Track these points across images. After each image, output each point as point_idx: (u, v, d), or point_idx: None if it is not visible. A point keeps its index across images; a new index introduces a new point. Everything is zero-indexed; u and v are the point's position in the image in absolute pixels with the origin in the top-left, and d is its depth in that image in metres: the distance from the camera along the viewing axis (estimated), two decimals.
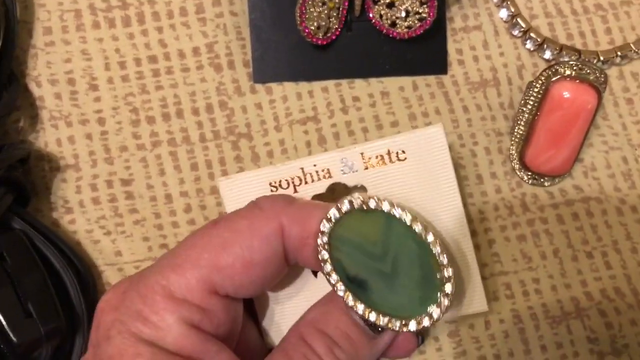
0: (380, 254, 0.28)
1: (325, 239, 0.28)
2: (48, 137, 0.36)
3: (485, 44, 0.38)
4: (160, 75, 0.36)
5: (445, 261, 0.28)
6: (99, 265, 0.35)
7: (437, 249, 0.28)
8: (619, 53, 0.38)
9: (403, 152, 0.31)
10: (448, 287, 0.28)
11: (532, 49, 0.38)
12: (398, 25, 0.36)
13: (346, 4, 0.36)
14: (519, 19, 0.38)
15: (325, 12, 0.36)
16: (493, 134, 0.38)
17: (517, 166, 0.37)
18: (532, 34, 0.38)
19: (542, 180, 0.37)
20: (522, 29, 0.38)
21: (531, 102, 0.36)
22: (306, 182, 0.32)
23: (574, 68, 0.35)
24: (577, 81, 0.35)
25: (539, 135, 0.36)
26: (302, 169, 0.32)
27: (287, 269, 0.30)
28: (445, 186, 0.32)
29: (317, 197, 0.32)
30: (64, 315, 0.32)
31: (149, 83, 0.36)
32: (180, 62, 0.36)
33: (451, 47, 0.38)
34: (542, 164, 0.36)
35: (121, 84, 0.36)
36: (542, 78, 0.35)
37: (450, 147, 0.37)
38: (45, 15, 0.36)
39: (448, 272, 0.28)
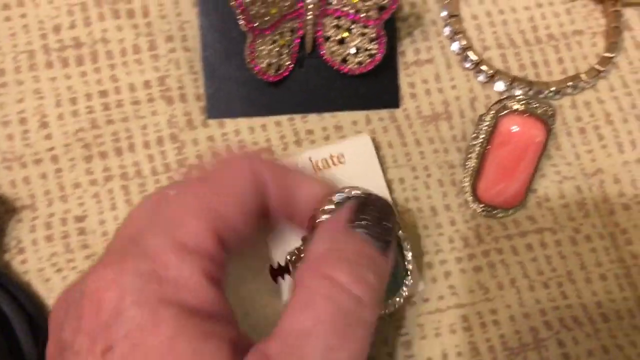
0: None
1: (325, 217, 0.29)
2: (2, 179, 0.36)
3: (438, 77, 0.39)
4: (110, 109, 0.37)
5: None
6: (49, 305, 0.35)
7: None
8: (570, 83, 0.39)
9: (343, 155, 0.36)
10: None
11: (484, 81, 0.39)
12: (349, 62, 0.37)
13: (297, 41, 0.37)
14: (470, 52, 0.39)
15: (276, 49, 0.36)
16: (446, 167, 0.38)
17: (470, 198, 0.37)
18: (483, 67, 0.38)
19: (495, 212, 0.37)
20: (474, 62, 0.39)
21: (482, 136, 0.36)
22: None
23: (522, 102, 0.35)
24: (526, 115, 0.36)
25: (490, 169, 0.36)
26: None
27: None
28: (376, 183, 0.36)
29: None
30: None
31: (100, 117, 0.36)
32: (131, 95, 0.37)
33: (403, 80, 0.39)
34: (494, 197, 0.36)
35: (72, 120, 0.36)
36: (492, 112, 0.36)
37: (403, 180, 0.37)
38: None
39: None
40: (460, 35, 0.39)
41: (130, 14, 0.38)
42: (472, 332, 0.36)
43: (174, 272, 0.24)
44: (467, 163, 0.37)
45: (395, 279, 0.31)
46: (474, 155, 0.37)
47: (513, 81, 0.38)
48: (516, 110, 0.36)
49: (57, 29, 0.37)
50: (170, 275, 0.24)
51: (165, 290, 0.24)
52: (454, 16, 0.39)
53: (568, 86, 0.39)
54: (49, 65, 0.37)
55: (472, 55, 0.39)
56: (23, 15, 0.37)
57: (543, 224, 0.37)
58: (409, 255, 0.32)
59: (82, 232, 0.36)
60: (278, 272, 0.34)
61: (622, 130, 0.39)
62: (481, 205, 0.37)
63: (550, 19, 0.40)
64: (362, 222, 0.28)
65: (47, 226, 0.36)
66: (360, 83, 0.38)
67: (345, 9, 0.36)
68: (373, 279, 0.26)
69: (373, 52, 0.37)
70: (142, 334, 0.23)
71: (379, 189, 0.36)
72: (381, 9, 0.36)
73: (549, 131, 0.36)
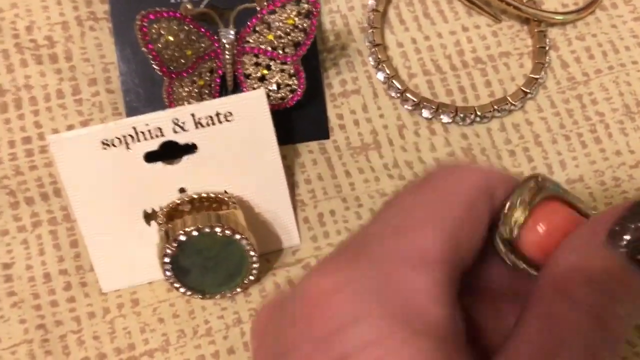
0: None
1: None
2: None
3: (365, 107, 0.39)
4: (34, 155, 0.37)
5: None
6: None
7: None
8: (495, 107, 0.39)
9: (230, 113, 0.34)
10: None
11: (410, 108, 0.39)
12: (272, 98, 0.37)
13: (218, 80, 0.37)
14: (394, 81, 0.39)
15: (196, 90, 0.37)
16: (377, 195, 0.38)
17: None
18: (408, 95, 0.39)
19: None
20: (399, 90, 0.39)
21: None
22: (138, 140, 0.34)
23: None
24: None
25: None
26: (134, 127, 0.34)
27: None
28: (267, 142, 0.35)
29: (149, 153, 0.34)
30: None
31: (22, 164, 0.37)
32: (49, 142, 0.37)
33: (332, 112, 0.39)
34: None
35: None
36: None
37: (334, 212, 0.38)
38: None
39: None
40: (384, 65, 0.39)
41: (53, 58, 0.38)
42: None
43: (409, 286, 0.21)
44: None
45: None
46: None
47: (438, 108, 0.39)
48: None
49: None
50: (405, 288, 0.21)
51: (397, 305, 0.21)
52: (378, 45, 0.40)
53: (495, 109, 0.39)
54: None
55: (397, 84, 0.39)
56: None
57: None
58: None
59: (8, 279, 0.36)
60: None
61: (550, 151, 0.39)
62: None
63: (476, 42, 0.41)
64: (626, 237, 0.22)
65: None
66: (288, 117, 0.39)
67: (262, 46, 0.37)
68: (623, 312, 0.22)
69: (294, 87, 0.37)
70: (380, 351, 0.20)
71: (268, 151, 0.35)
72: (296, 45, 0.36)
73: None
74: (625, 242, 0.22)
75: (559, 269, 0.23)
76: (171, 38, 0.35)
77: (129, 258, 0.36)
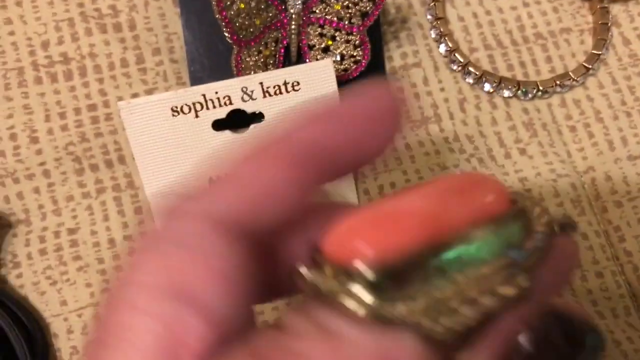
0: None
1: None
2: None
3: (426, 80, 0.41)
4: (99, 122, 0.39)
5: None
6: (46, 318, 0.37)
7: None
8: (557, 82, 0.40)
9: (298, 83, 0.36)
10: None
11: (471, 82, 0.40)
12: (335, 69, 0.39)
13: (282, 50, 0.39)
14: (457, 54, 0.40)
15: (262, 60, 0.38)
16: (438, 168, 0.40)
17: None
18: (470, 68, 0.40)
19: None
20: (461, 63, 0.40)
21: None
22: (207, 108, 0.35)
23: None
24: None
25: None
26: (203, 95, 0.35)
27: None
28: None
29: (217, 121, 0.36)
30: None
31: (88, 131, 0.38)
32: (119, 109, 0.39)
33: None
34: None
35: (61, 134, 0.38)
36: None
37: (394, 184, 0.39)
38: None
39: None
40: (446, 38, 0.41)
41: (117, 28, 0.40)
42: None
43: None
44: None
45: None
46: None
47: (500, 82, 0.40)
48: None
49: (45, 45, 0.39)
50: None
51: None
52: (440, 19, 0.41)
53: (557, 84, 0.40)
54: (38, 80, 0.39)
55: (459, 57, 0.40)
56: (11, 33, 0.39)
57: None
58: None
59: (74, 244, 0.37)
60: None
61: (612, 127, 0.40)
62: None
63: (537, 18, 0.42)
64: None
65: (40, 240, 0.37)
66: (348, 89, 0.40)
67: (329, 17, 0.38)
68: None
69: (358, 58, 0.38)
70: None
71: None
72: (364, 15, 0.38)
73: None
74: None
75: None
76: (243, 6, 0.36)
77: None
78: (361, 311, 0.17)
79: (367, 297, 0.17)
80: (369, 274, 0.18)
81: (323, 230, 0.19)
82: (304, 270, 0.19)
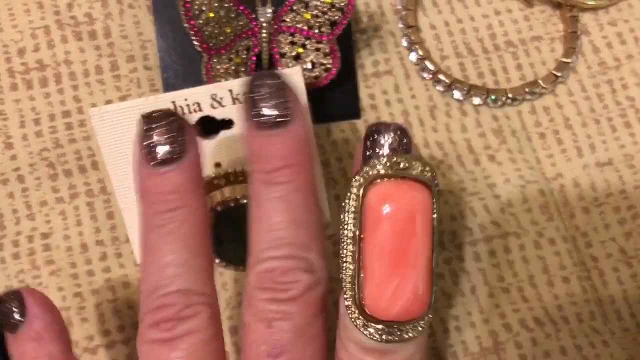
0: None
1: None
2: None
3: (397, 87, 0.41)
4: (73, 129, 0.39)
5: None
6: None
7: None
8: (527, 90, 0.41)
9: None
10: None
11: (442, 90, 0.41)
12: (306, 77, 0.39)
13: (254, 58, 0.39)
14: (427, 62, 0.41)
15: (233, 67, 0.39)
16: None
17: (359, 321, 0.27)
18: (440, 76, 0.41)
19: (399, 331, 0.27)
20: (432, 71, 0.41)
21: (351, 228, 0.27)
22: None
23: (388, 165, 0.27)
24: (398, 179, 0.27)
25: (373, 265, 0.27)
26: (173, 102, 0.36)
27: None
28: None
29: None
30: None
31: (62, 137, 0.39)
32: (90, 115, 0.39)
33: (364, 92, 0.41)
34: (389, 303, 0.26)
35: (35, 140, 0.39)
36: (354, 191, 0.27)
37: None
38: None
39: None
40: (417, 46, 0.41)
41: (92, 35, 0.40)
42: (435, 338, 0.38)
43: None
44: (342, 272, 0.27)
45: None
46: (347, 258, 0.27)
47: (469, 90, 0.41)
48: (384, 175, 0.27)
49: (21, 52, 0.40)
50: None
51: None
52: (412, 27, 0.41)
53: (526, 92, 0.41)
54: (14, 87, 0.40)
55: (430, 65, 0.41)
56: None
57: (507, 229, 0.40)
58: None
59: (47, 248, 0.38)
60: None
61: (580, 134, 0.41)
62: (378, 326, 0.27)
63: (508, 26, 0.42)
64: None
65: (14, 244, 0.38)
66: (321, 97, 0.41)
67: (299, 25, 0.39)
68: None
69: (328, 66, 0.39)
70: None
71: None
72: (333, 24, 0.38)
73: (434, 195, 0.27)
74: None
75: None
76: (212, 15, 0.37)
77: None
78: None
79: None
80: None
81: None
82: None
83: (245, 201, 0.35)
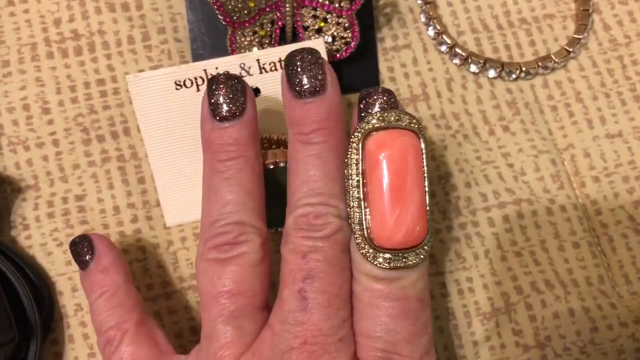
0: None
1: None
2: (7, 162, 0.41)
3: (415, 61, 0.43)
4: (107, 96, 0.41)
5: None
6: (52, 276, 0.39)
7: None
8: (540, 64, 0.43)
9: None
10: None
11: (458, 63, 0.43)
12: (327, 50, 0.41)
13: (277, 31, 0.41)
14: (444, 36, 0.43)
15: (257, 40, 0.41)
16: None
17: (370, 252, 0.31)
18: (457, 50, 0.43)
19: (404, 257, 0.31)
20: (448, 45, 0.43)
21: (355, 177, 0.32)
22: None
23: (380, 119, 0.32)
24: (390, 129, 0.32)
25: (376, 200, 0.31)
26: (204, 70, 0.38)
27: None
28: None
29: None
30: (20, 324, 0.37)
31: (97, 104, 0.41)
32: (126, 83, 0.41)
33: (383, 65, 0.43)
34: (394, 231, 0.31)
35: (71, 106, 0.41)
36: (354, 143, 0.32)
37: None
38: (4, 50, 0.42)
39: None
40: (435, 21, 0.43)
41: (125, 7, 0.42)
42: (450, 298, 0.40)
43: None
44: (350, 219, 0.32)
45: None
46: (354, 203, 0.32)
47: (485, 63, 0.42)
48: (377, 128, 0.32)
49: (57, 22, 0.42)
50: None
51: None
52: (429, 3, 0.43)
53: (539, 66, 0.43)
54: (50, 55, 0.42)
55: (447, 40, 0.43)
56: (26, 11, 0.42)
57: (520, 196, 0.41)
58: None
59: (81, 209, 0.40)
60: None
61: (591, 107, 0.43)
62: (385, 255, 0.31)
63: (522, 4, 0.44)
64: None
65: (49, 204, 0.40)
66: (342, 69, 0.43)
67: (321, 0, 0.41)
68: None
69: (348, 40, 0.41)
70: None
71: None
72: None
73: (422, 141, 0.32)
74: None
75: None
76: None
77: (193, 195, 0.40)
78: None
79: None
80: None
81: None
82: None
83: (272, 166, 0.36)
